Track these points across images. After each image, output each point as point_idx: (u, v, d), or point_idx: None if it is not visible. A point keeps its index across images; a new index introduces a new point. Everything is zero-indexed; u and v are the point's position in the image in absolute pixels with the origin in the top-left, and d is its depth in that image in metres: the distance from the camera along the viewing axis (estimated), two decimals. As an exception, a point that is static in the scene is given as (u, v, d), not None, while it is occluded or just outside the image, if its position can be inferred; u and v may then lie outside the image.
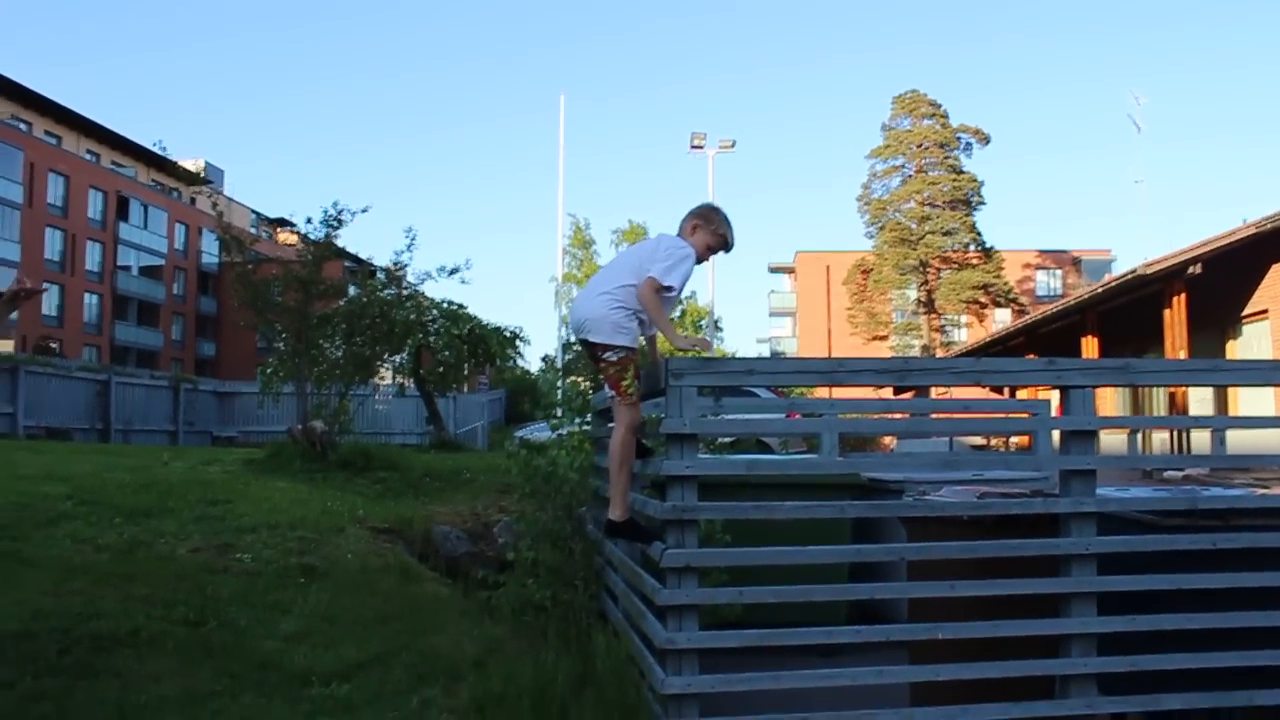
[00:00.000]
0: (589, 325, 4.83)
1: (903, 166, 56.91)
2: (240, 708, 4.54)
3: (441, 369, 19.10)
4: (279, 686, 4.84)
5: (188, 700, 4.57)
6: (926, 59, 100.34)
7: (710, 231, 4.93)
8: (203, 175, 52.50)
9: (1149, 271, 16.21)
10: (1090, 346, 19.54)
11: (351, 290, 14.81)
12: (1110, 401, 20.94)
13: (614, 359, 4.72)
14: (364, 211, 13.20)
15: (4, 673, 4.67)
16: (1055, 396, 4.73)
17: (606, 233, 57.72)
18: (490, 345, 19.43)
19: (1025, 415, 7.59)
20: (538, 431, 15.52)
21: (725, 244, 4.99)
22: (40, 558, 6.79)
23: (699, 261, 4.90)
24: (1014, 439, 22.20)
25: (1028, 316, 27.09)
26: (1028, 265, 64.32)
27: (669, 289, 4.67)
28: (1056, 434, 4.75)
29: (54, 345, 48.72)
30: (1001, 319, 52.97)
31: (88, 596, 6.01)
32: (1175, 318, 16.26)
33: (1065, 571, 4.37)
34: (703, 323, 38.65)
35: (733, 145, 33.70)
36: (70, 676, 4.75)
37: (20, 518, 7.77)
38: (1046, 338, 23.09)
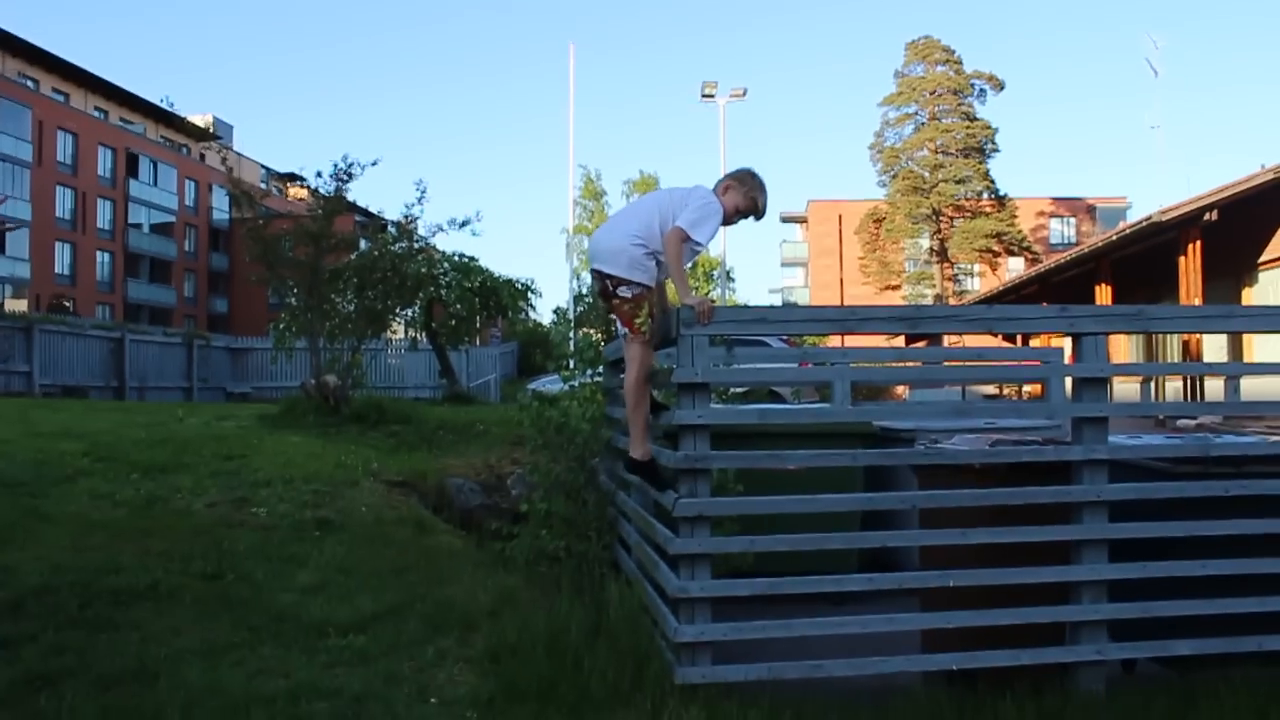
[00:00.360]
0: (606, 257, 4.77)
1: (916, 114, 56.31)
2: (259, 659, 4.59)
3: (453, 322, 19.07)
4: (297, 638, 4.89)
5: (207, 652, 4.63)
6: (940, 4, 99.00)
7: (742, 194, 4.83)
8: (212, 131, 52.39)
9: (1164, 219, 16.07)
10: (1104, 294, 19.43)
11: (363, 244, 14.78)
12: (1123, 350, 20.87)
13: (628, 295, 4.67)
14: (374, 165, 13.15)
15: (27, 626, 4.74)
16: (1068, 344, 4.71)
17: (618, 184, 57.60)
18: (502, 298, 19.39)
19: (1037, 363, 7.56)
20: (550, 384, 15.52)
21: (755, 209, 4.88)
22: (59, 514, 6.87)
23: (726, 223, 4.83)
24: (1026, 387, 22.19)
25: (1041, 265, 26.92)
26: (1041, 213, 63.73)
27: (695, 243, 4.62)
28: (1069, 381, 4.73)
29: (67, 304, 48.97)
30: (1015, 268, 52.64)
31: (107, 551, 6.08)
32: (1190, 265, 16.15)
33: (1077, 519, 4.38)
34: (714, 273, 38.56)
35: (744, 94, 33.35)
36: (91, 630, 4.82)
37: (39, 475, 7.84)
38: (1060, 286, 22.96)
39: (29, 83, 52.57)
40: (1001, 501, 4.43)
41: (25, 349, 19.68)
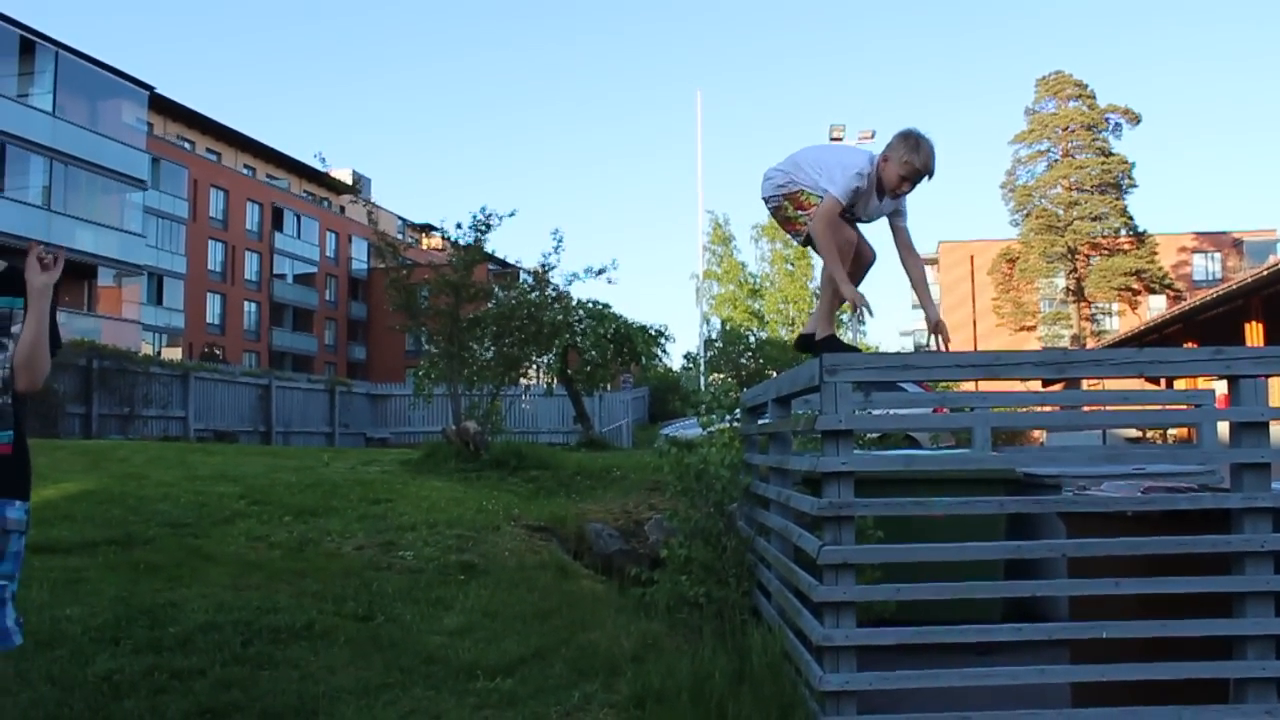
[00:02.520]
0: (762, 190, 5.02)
1: (1048, 151, 55.22)
2: (411, 699, 4.73)
3: (589, 368, 19.34)
4: (446, 680, 5.02)
5: (362, 691, 4.79)
6: (1069, 38, 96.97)
7: (901, 154, 4.75)
8: (358, 186, 54.47)
9: (1320, 253, 15.40)
10: (1255, 333, 18.67)
11: (497, 292, 15.18)
12: (1277, 392, 19.97)
13: (780, 196, 4.93)
14: (511, 216, 13.52)
15: (196, 660, 4.99)
16: (1219, 386, 4.57)
17: (746, 228, 57.38)
18: (636, 344, 19.59)
19: (1186, 406, 7.31)
20: (683, 429, 15.61)
21: (924, 168, 4.75)
22: (220, 554, 7.22)
23: (896, 191, 4.82)
24: (1171, 430, 21.38)
25: (1185, 303, 25.98)
26: (1183, 249, 61.44)
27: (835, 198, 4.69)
28: (1223, 426, 4.59)
29: (218, 351, 51.27)
30: (1156, 306, 50.89)
31: (265, 591, 6.36)
32: (1350, 301, 15.43)
33: (1239, 570, 4.22)
34: (844, 316, 38.21)
35: (872, 136, 33.05)
36: (254, 666, 5.04)
37: (200, 516, 8.27)
38: (1206, 324, 22.15)
39: (186, 144, 55.51)
40: (1156, 550, 4.30)
41: (182, 395, 20.75)
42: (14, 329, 3.18)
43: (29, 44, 32.57)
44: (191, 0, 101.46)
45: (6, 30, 31.72)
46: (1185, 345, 22.01)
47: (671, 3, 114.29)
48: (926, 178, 4.81)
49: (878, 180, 4.83)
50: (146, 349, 39.94)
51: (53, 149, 32.96)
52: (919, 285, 4.93)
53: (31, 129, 32.12)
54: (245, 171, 61.59)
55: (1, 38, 31.79)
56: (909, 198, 4.93)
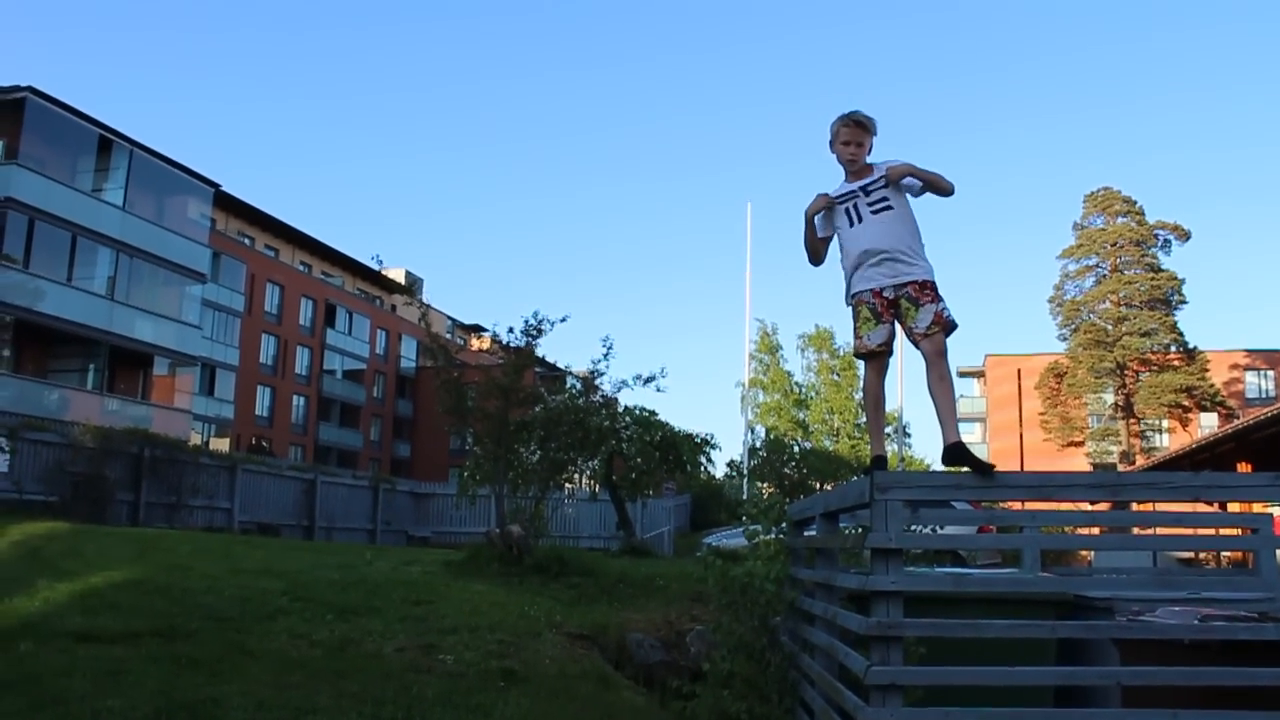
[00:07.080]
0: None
1: (1097, 266, 55.00)
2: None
3: (633, 475, 19.26)
4: (484, 789, 4.96)
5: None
6: (1117, 154, 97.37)
7: (834, 138, 5.26)
8: (412, 286, 55.49)
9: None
10: (1313, 456, 18.28)
11: (546, 397, 15.28)
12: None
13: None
14: (563, 321, 13.66)
15: (236, 762, 4.96)
16: (1277, 510, 4.50)
17: (793, 337, 57.49)
18: (681, 452, 19.52)
19: (1242, 531, 7.17)
20: (726, 538, 15.50)
21: (836, 141, 5.24)
22: (262, 650, 7.21)
23: (852, 160, 5.23)
24: (1225, 553, 20.87)
25: (1238, 421, 25.54)
26: (1235, 366, 60.62)
27: None
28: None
29: (265, 443, 51.76)
30: (1208, 424, 50.08)
31: (305, 690, 6.33)
32: None
33: (1304, 705, 4.11)
34: (889, 429, 37.98)
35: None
36: (293, 768, 5.00)
37: (243, 611, 8.29)
38: (1260, 444, 21.68)
39: (246, 240, 56.94)
40: (1215, 681, 4.20)
41: (229, 486, 20.92)
42: None
43: (107, 142, 33.87)
44: (261, 101, 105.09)
45: (87, 129, 33.11)
46: (1238, 465, 21.60)
47: (723, 117, 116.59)
48: (858, 130, 5.22)
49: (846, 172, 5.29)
50: (195, 439, 40.41)
51: (120, 241, 33.99)
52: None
53: (102, 222, 33.21)
54: (301, 268, 62.92)
55: (83, 136, 33.20)
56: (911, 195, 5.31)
